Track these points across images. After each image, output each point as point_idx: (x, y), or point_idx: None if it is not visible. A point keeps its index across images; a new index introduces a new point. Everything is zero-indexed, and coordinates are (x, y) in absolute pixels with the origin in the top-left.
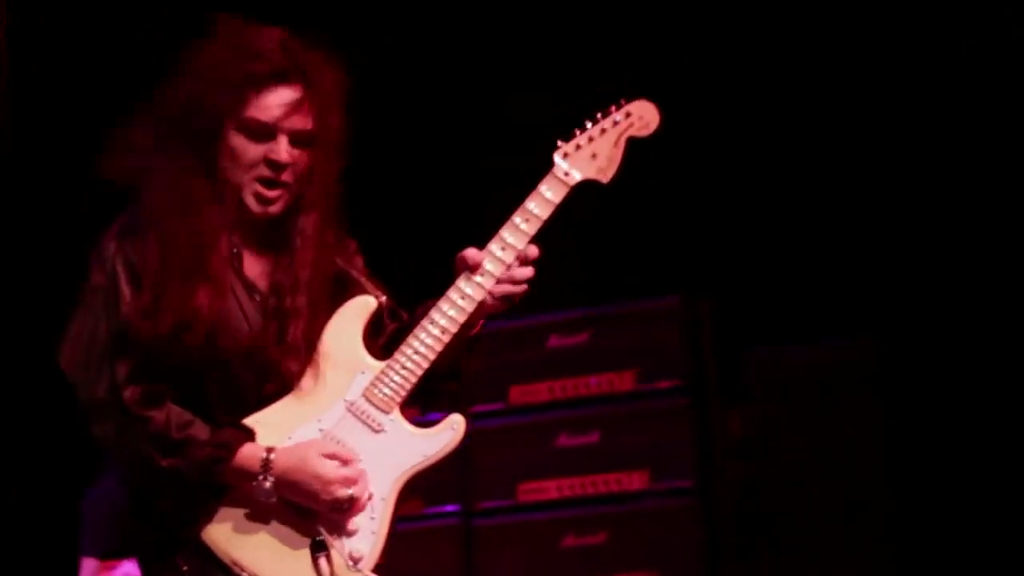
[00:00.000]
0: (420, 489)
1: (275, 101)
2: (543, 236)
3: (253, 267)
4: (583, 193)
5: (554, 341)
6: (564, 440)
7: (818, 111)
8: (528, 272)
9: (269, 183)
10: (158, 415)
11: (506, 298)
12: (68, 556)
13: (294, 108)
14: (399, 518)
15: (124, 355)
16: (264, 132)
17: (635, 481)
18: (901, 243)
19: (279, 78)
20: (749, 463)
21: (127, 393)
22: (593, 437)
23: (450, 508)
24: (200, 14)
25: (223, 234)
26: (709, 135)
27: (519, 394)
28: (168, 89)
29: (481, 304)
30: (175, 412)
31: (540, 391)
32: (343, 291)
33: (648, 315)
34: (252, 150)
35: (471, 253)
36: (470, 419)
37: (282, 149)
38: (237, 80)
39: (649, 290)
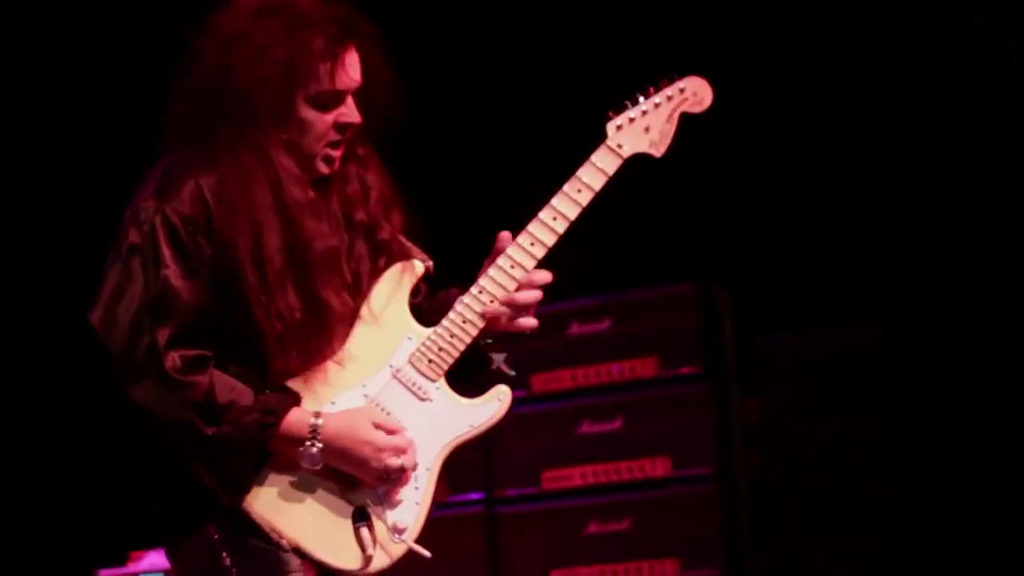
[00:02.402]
0: (444, 477)
1: (341, 67)
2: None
3: (308, 218)
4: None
5: (575, 328)
6: (587, 427)
7: (831, 99)
8: (535, 297)
9: (335, 144)
10: (201, 380)
11: (510, 319)
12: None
13: (354, 67)
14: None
15: (165, 319)
16: (336, 99)
17: (658, 468)
18: (916, 230)
19: (338, 42)
20: (767, 449)
21: (168, 359)
22: (616, 424)
23: (474, 496)
24: None
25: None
26: (725, 123)
27: (541, 382)
28: (211, 65)
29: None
30: (219, 377)
31: (562, 378)
32: (389, 254)
33: (668, 301)
34: (324, 119)
35: (507, 234)
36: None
37: (353, 111)
38: (303, 57)
39: (668, 277)
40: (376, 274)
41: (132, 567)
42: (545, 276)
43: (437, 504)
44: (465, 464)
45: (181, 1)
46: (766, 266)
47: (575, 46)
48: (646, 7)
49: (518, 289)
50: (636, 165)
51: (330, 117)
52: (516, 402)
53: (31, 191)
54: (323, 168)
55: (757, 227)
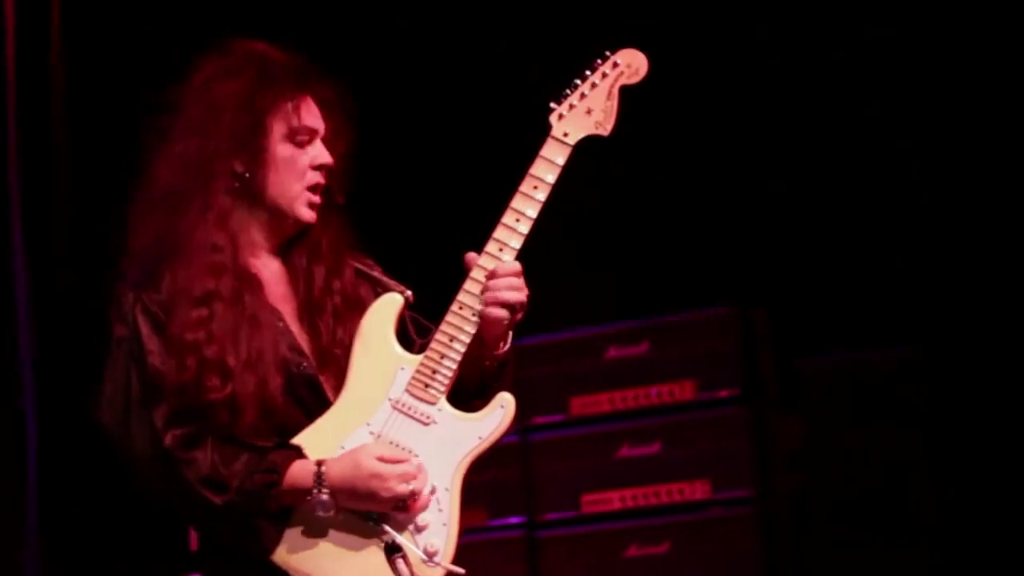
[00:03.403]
0: (484, 501)
1: (306, 106)
2: (605, 244)
3: (272, 287)
4: (637, 203)
5: (613, 352)
6: (626, 451)
7: (871, 122)
8: (506, 285)
9: (315, 188)
10: (201, 455)
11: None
12: None
13: (315, 114)
14: (464, 531)
15: (158, 403)
16: (309, 135)
17: (697, 491)
18: (955, 250)
19: (302, 85)
20: (806, 471)
21: (167, 439)
22: (655, 447)
23: (514, 520)
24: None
25: (242, 263)
26: (762, 146)
27: (580, 405)
28: (183, 131)
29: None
30: (218, 448)
31: (601, 402)
32: (367, 293)
33: (706, 324)
34: (302, 155)
35: (472, 255)
36: (531, 431)
37: (325, 152)
38: (277, 95)
39: (705, 299)
40: (347, 318)
41: None
42: (513, 266)
43: (476, 528)
44: (505, 488)
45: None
46: (804, 288)
47: None
48: None
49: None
50: (673, 189)
51: (307, 156)
52: (554, 426)
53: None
54: (305, 214)
55: (795, 249)
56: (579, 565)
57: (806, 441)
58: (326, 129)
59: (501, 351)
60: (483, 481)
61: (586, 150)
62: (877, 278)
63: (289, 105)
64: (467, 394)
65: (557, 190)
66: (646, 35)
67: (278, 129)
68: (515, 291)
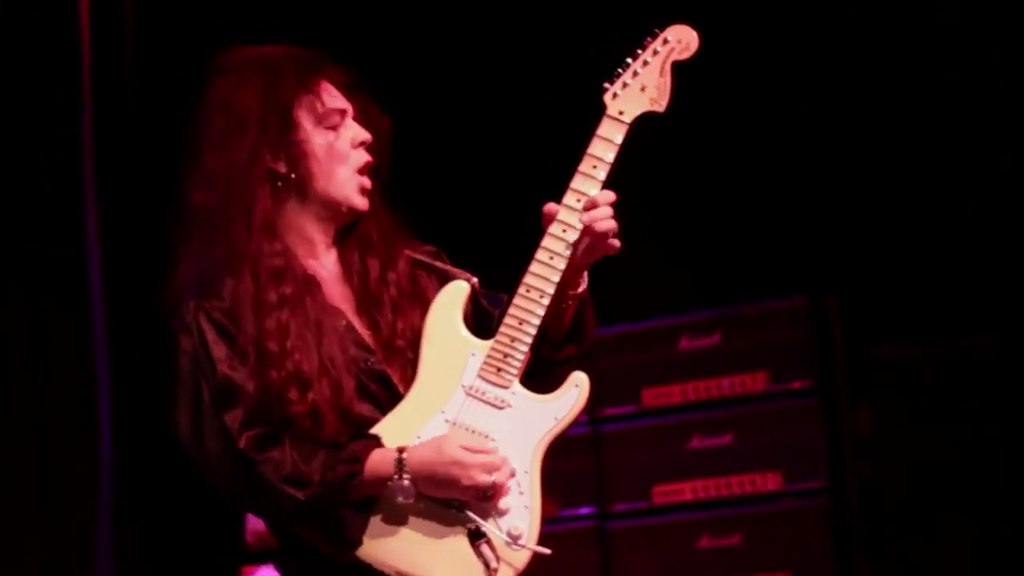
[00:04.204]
0: (555, 492)
1: (330, 90)
2: (678, 235)
3: (331, 286)
4: (709, 194)
5: (685, 343)
6: (697, 442)
7: (944, 106)
8: (605, 213)
9: (363, 169)
10: (279, 454)
11: (591, 249)
12: None
13: (337, 95)
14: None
15: (231, 407)
16: (340, 118)
17: (769, 482)
18: None
19: (316, 72)
20: (879, 461)
21: (242, 441)
22: (726, 438)
23: (585, 511)
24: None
25: (299, 266)
26: (834, 133)
27: (651, 396)
28: (209, 147)
29: (571, 261)
30: (296, 446)
31: (673, 393)
32: (427, 282)
33: (778, 314)
34: (338, 141)
35: (551, 207)
36: (603, 422)
37: (361, 129)
38: (295, 85)
39: (778, 289)
40: (406, 308)
41: None
42: (607, 195)
43: (547, 519)
44: (577, 478)
45: None
46: (877, 277)
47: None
48: None
49: (586, 209)
50: (749, 179)
51: (344, 138)
52: (626, 417)
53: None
54: (358, 201)
55: (867, 237)
56: (650, 556)
57: (878, 431)
58: (354, 108)
59: (580, 287)
60: (555, 471)
61: (660, 143)
62: (952, 266)
63: (310, 93)
64: (553, 345)
65: (632, 183)
66: (706, 15)
67: (307, 119)
68: (607, 221)
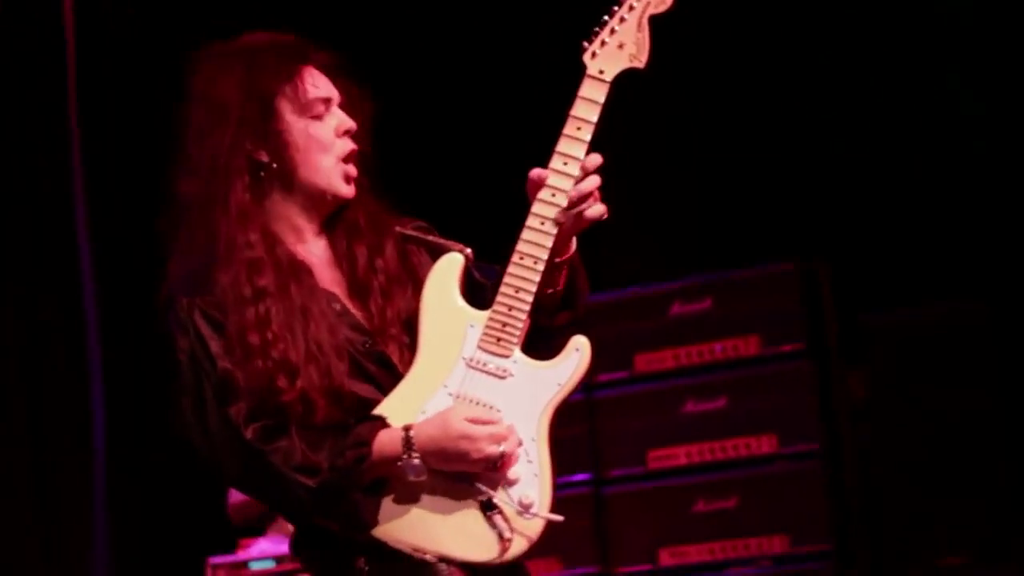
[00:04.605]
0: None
1: (316, 76)
2: (668, 201)
3: (323, 271)
4: (700, 160)
5: (677, 308)
6: (691, 406)
7: (932, 73)
8: (593, 183)
9: (348, 157)
10: (287, 444)
11: (580, 215)
12: None
13: (323, 81)
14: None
15: (234, 401)
16: (324, 107)
17: (764, 445)
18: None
19: (299, 59)
20: (872, 425)
21: (248, 433)
22: (720, 402)
23: (580, 477)
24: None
25: (286, 253)
26: (823, 99)
27: (644, 362)
28: (192, 138)
29: (561, 227)
30: (302, 435)
31: (665, 358)
32: (419, 259)
33: (769, 279)
34: (322, 129)
35: (538, 172)
36: (596, 388)
37: (346, 117)
38: (276, 74)
39: (768, 254)
40: (396, 294)
41: (242, 554)
42: (595, 159)
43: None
44: (571, 445)
45: None
46: (867, 241)
47: None
48: None
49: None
50: (738, 145)
51: (328, 126)
52: (619, 383)
53: None
54: (343, 189)
55: (858, 202)
56: (647, 521)
57: (871, 395)
58: (341, 94)
59: (568, 254)
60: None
61: (652, 109)
62: (942, 231)
63: (292, 81)
64: (548, 313)
65: (624, 149)
66: None
67: (288, 108)
68: (592, 192)
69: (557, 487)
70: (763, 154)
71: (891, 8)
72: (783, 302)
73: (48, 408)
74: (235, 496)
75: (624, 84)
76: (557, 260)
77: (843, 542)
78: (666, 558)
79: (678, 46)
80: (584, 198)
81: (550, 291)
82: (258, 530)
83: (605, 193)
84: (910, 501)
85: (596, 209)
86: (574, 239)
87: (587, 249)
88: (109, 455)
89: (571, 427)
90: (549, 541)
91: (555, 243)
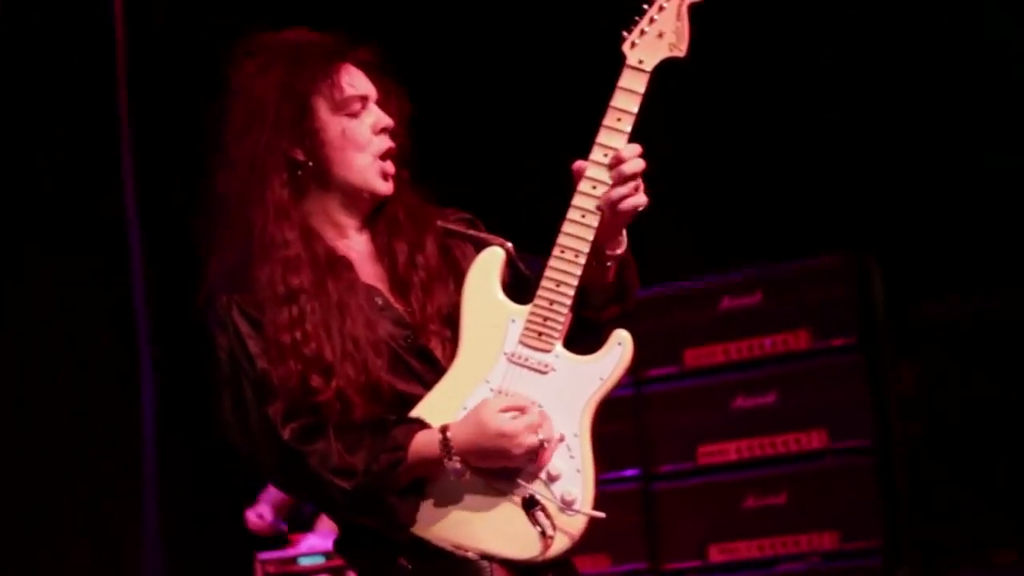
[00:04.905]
0: (599, 454)
1: (353, 75)
2: (718, 195)
3: (365, 266)
4: (750, 153)
5: (727, 303)
6: (741, 401)
7: (981, 62)
8: (637, 166)
9: (385, 155)
10: (324, 445)
11: (617, 204)
12: None
13: (361, 78)
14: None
15: (272, 400)
16: (361, 105)
17: (814, 440)
18: None
19: (337, 56)
20: (924, 418)
21: (286, 433)
22: (770, 398)
23: (630, 472)
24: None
25: (326, 249)
26: (873, 91)
27: (694, 357)
28: (231, 135)
29: (604, 221)
30: (340, 435)
31: (715, 353)
32: (462, 252)
33: (819, 273)
34: (358, 127)
35: (581, 164)
36: (645, 383)
37: (383, 115)
38: (313, 73)
39: (819, 247)
40: (436, 290)
41: (291, 550)
42: (634, 148)
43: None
44: (620, 441)
45: None
46: (918, 233)
47: None
48: None
49: (613, 166)
50: (788, 138)
51: (364, 124)
52: (669, 378)
53: None
54: (380, 186)
55: (908, 193)
56: (696, 517)
57: (922, 388)
58: (378, 91)
59: (619, 247)
60: (598, 434)
61: (701, 101)
62: (992, 221)
63: (329, 80)
64: (596, 307)
65: (673, 142)
66: None
67: (324, 107)
68: (636, 178)
69: (606, 483)
70: (812, 146)
71: None
72: (833, 295)
73: (98, 407)
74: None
75: (672, 76)
76: (608, 254)
77: (893, 538)
78: (715, 554)
79: (725, 36)
80: (624, 180)
81: (600, 285)
82: (307, 525)
83: (656, 186)
84: (961, 496)
85: (634, 200)
86: (624, 233)
87: (636, 243)
88: (159, 453)
89: (620, 422)
90: (597, 537)
91: (603, 237)
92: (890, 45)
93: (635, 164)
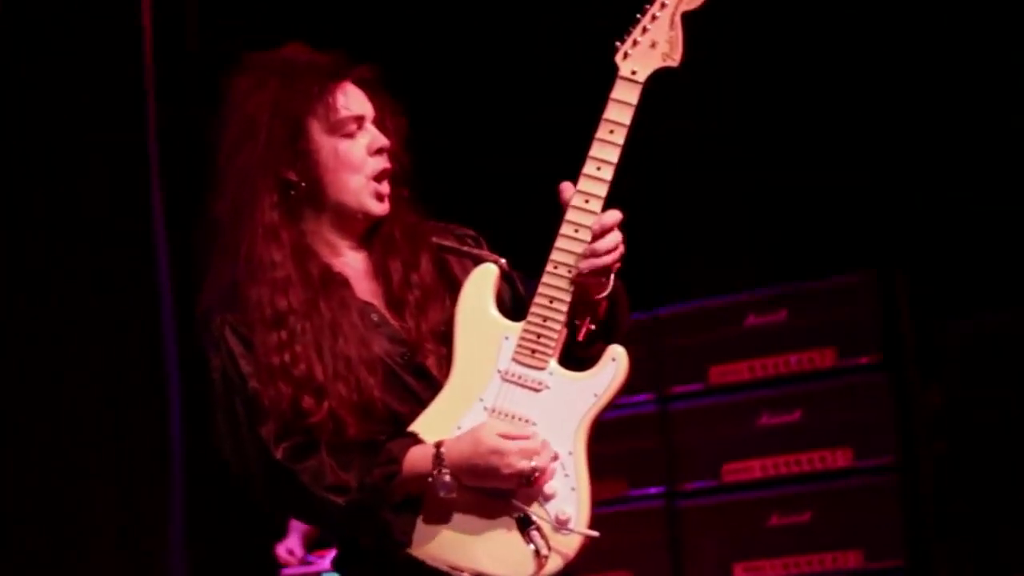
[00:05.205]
0: (623, 471)
1: (350, 95)
2: (742, 211)
3: (361, 283)
4: (773, 170)
5: (752, 320)
6: (766, 419)
7: (1007, 76)
8: (612, 242)
9: (380, 176)
10: (317, 463)
11: (599, 273)
12: None
13: (360, 97)
14: (603, 502)
15: (264, 421)
16: (357, 125)
17: (839, 459)
18: None
19: (334, 76)
20: (950, 437)
21: (278, 452)
22: (795, 415)
23: (654, 490)
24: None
25: (320, 268)
26: (898, 108)
27: (719, 374)
28: (224, 154)
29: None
30: (333, 452)
31: (740, 370)
32: (459, 269)
33: (845, 290)
34: (353, 148)
35: (567, 185)
36: (670, 400)
37: (379, 135)
38: (307, 94)
39: (844, 265)
40: (430, 309)
41: (315, 567)
42: (614, 216)
43: (616, 499)
44: (644, 458)
45: None
46: (945, 250)
47: None
48: None
49: (593, 240)
50: (812, 155)
51: (359, 145)
52: (694, 395)
53: None
54: (374, 207)
55: (934, 210)
56: (721, 535)
57: (948, 407)
58: (376, 110)
59: (605, 291)
60: (622, 451)
61: (724, 116)
62: (1018, 237)
63: (323, 100)
64: (585, 343)
65: (698, 158)
66: None
67: (318, 128)
68: (612, 253)
69: (630, 500)
70: (839, 162)
71: (966, 12)
72: (859, 313)
73: (130, 427)
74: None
75: (699, 92)
76: (595, 298)
77: (918, 558)
78: (740, 573)
79: (753, 53)
80: (597, 255)
81: (589, 323)
82: (329, 543)
83: (683, 204)
84: (987, 516)
85: (601, 268)
86: (611, 278)
87: (663, 260)
88: (187, 469)
89: (645, 439)
90: (621, 555)
91: (585, 283)
92: (918, 59)
93: (610, 241)
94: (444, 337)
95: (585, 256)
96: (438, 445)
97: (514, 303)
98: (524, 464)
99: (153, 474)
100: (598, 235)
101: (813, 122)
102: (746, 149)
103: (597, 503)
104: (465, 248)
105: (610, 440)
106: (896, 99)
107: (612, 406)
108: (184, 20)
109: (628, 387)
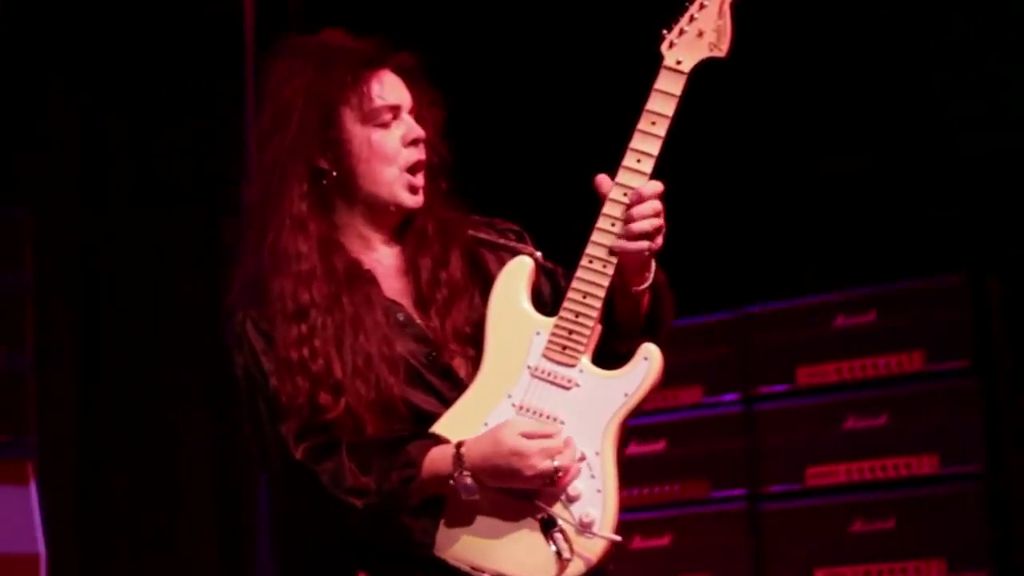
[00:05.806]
0: (706, 472)
1: (386, 83)
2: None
3: (390, 280)
4: (866, 170)
5: (840, 321)
6: (852, 423)
7: None
8: (651, 208)
9: (414, 168)
10: (336, 464)
11: (630, 254)
12: None
13: (397, 86)
14: (685, 503)
15: (284, 419)
16: (392, 115)
17: (924, 465)
18: None
19: (371, 64)
20: None
21: (298, 453)
22: (881, 420)
23: (737, 492)
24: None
25: (349, 262)
26: (995, 105)
27: (806, 375)
28: (258, 141)
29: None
30: (353, 453)
31: (827, 372)
32: (495, 263)
33: (936, 292)
34: (387, 139)
35: (604, 178)
36: (756, 400)
37: (415, 126)
38: (341, 82)
39: (936, 266)
40: (458, 308)
41: None
42: (655, 186)
43: (698, 500)
44: (728, 459)
45: None
46: None
47: None
48: None
49: (629, 208)
50: (905, 154)
51: (394, 135)
52: (780, 396)
53: None
54: (407, 199)
55: None
56: (803, 539)
57: None
58: (413, 100)
59: (645, 283)
60: (706, 452)
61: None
62: None
63: (357, 89)
64: (627, 338)
65: (787, 159)
66: None
67: (352, 116)
68: (648, 220)
69: (713, 502)
70: (932, 163)
71: None
72: (950, 316)
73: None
74: None
75: (789, 93)
76: (634, 290)
77: (1003, 569)
78: None
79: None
80: (635, 236)
81: (631, 316)
82: None
83: (771, 203)
84: None
85: (639, 244)
86: (652, 266)
87: (751, 258)
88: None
89: (728, 440)
90: (703, 558)
91: (625, 273)
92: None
93: (648, 208)
94: (469, 338)
95: (621, 235)
96: (458, 446)
97: (555, 298)
98: (546, 464)
99: (247, 501)
100: (635, 203)
101: (910, 121)
102: (838, 148)
103: (679, 503)
104: (501, 241)
105: (694, 440)
106: (994, 93)
107: (643, 409)
108: None
109: (714, 386)
